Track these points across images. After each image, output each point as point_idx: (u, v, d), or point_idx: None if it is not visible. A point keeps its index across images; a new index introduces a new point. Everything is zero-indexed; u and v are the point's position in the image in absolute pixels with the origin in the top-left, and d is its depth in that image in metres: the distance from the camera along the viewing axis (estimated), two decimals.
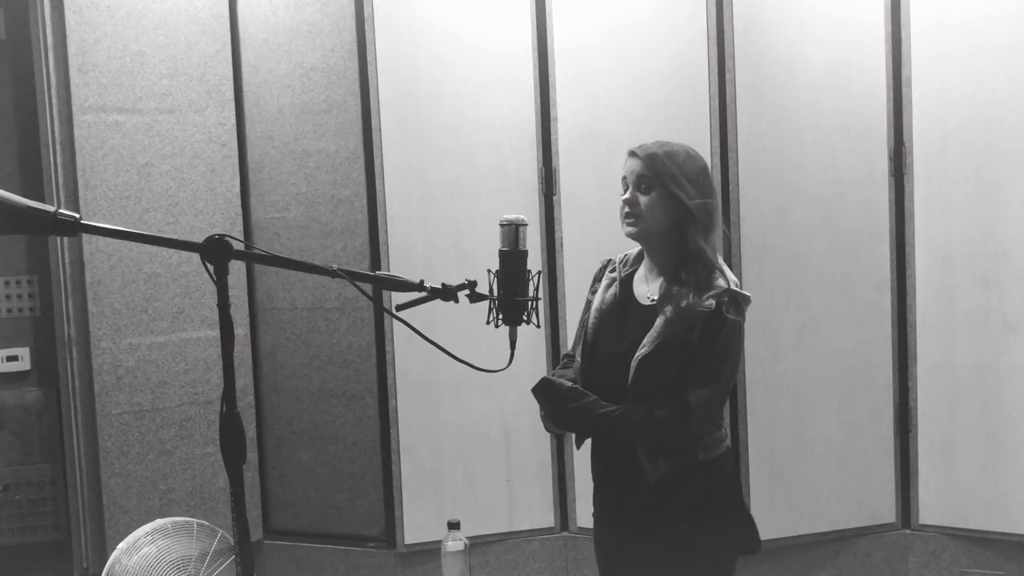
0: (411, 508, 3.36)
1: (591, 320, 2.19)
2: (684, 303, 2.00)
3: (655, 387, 2.01)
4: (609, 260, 2.26)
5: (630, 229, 2.09)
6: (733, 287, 2.03)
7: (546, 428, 2.23)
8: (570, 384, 2.13)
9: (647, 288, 2.13)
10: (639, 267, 2.19)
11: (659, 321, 2.02)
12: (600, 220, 3.26)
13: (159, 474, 3.36)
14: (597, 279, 2.26)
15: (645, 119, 3.22)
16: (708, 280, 2.02)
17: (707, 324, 1.99)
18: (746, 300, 2.05)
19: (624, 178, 2.10)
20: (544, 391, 2.13)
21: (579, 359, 2.21)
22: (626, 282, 2.18)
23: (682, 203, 2.04)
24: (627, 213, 2.08)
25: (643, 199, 2.06)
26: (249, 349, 3.51)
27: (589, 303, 2.23)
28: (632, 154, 2.09)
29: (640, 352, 2.02)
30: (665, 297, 2.04)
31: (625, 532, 2.17)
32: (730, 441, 2.20)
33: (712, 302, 1.99)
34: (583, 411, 2.08)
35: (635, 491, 2.10)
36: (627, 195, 2.08)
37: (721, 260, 2.09)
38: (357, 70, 3.31)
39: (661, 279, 2.09)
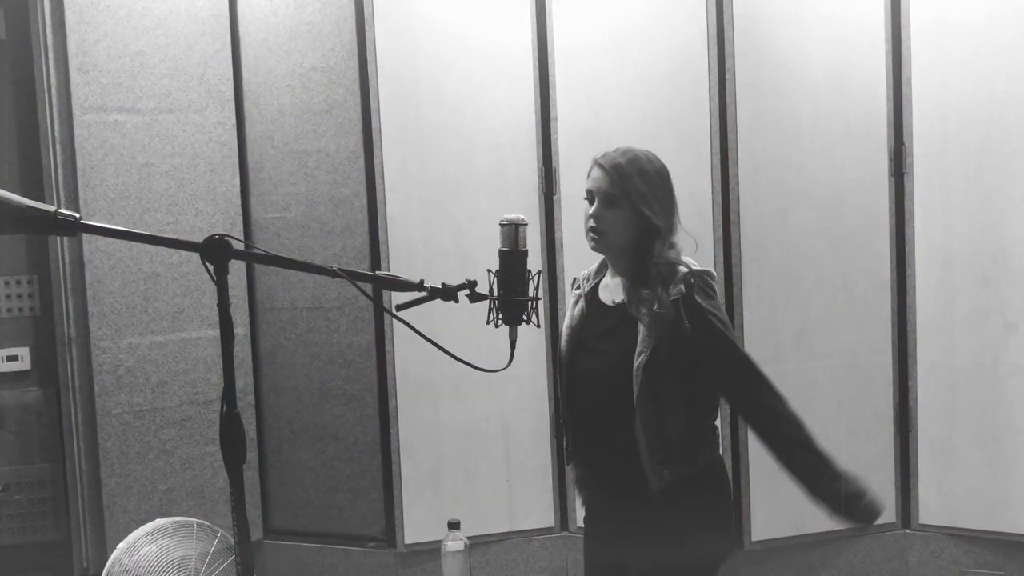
0: (411, 508, 3.36)
1: (564, 339, 2.20)
2: (656, 306, 2.01)
3: (659, 390, 2.01)
4: (575, 279, 2.28)
5: (594, 245, 2.10)
6: (695, 267, 2.06)
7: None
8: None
9: (611, 294, 2.15)
10: (602, 277, 2.21)
11: (641, 330, 2.02)
12: None
13: (159, 474, 3.36)
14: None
15: (645, 119, 3.22)
16: (671, 275, 2.04)
17: (692, 312, 2.00)
18: (711, 275, 2.07)
19: (589, 191, 2.10)
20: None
21: (557, 378, 2.22)
22: (591, 295, 2.20)
23: (646, 218, 2.05)
24: (592, 228, 2.08)
25: (609, 215, 2.07)
26: (249, 349, 3.51)
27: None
28: (598, 166, 2.09)
29: (638, 362, 2.01)
30: (634, 300, 2.05)
31: (625, 542, 2.16)
32: (728, 444, 2.20)
33: (681, 287, 2.01)
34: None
35: (638, 500, 2.08)
36: (593, 211, 2.08)
37: (684, 256, 2.11)
38: (357, 70, 3.30)
39: (624, 283, 2.11)
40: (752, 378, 2.05)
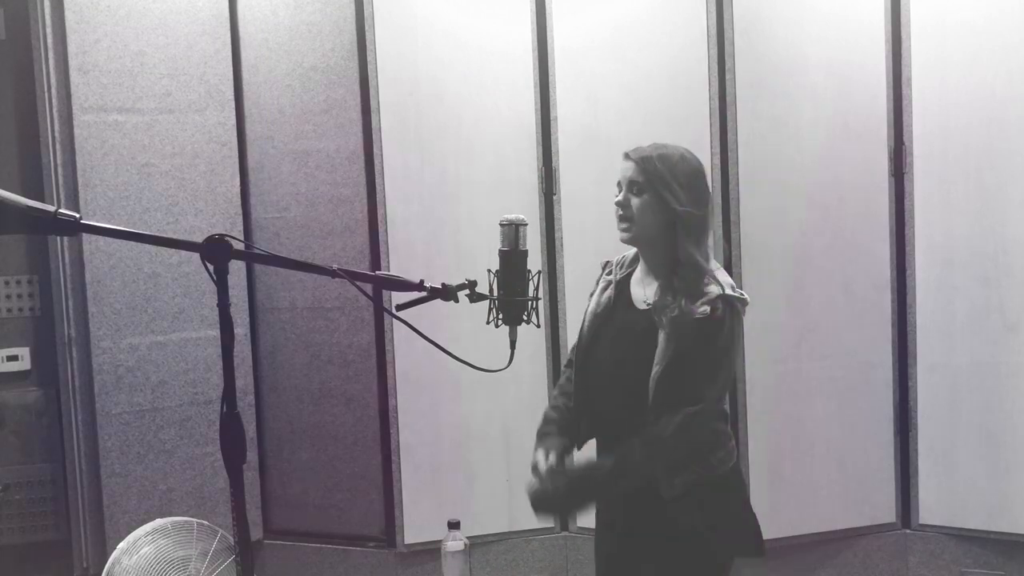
0: (411, 508, 3.36)
1: (586, 324, 2.18)
2: (676, 312, 1.99)
3: (677, 401, 2.00)
4: (607, 262, 2.26)
5: (623, 234, 2.09)
6: (728, 291, 2.01)
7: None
8: (545, 468, 2.07)
9: (643, 291, 2.12)
10: (635, 269, 2.18)
11: (661, 338, 2.01)
12: (600, 220, 3.24)
13: (159, 474, 3.36)
14: (597, 282, 2.25)
15: (645, 119, 3.22)
16: (699, 286, 2.01)
17: (702, 330, 1.97)
18: (743, 303, 2.03)
19: (619, 182, 2.10)
20: (541, 500, 2.07)
21: (574, 362, 2.21)
22: (622, 285, 2.18)
23: (672, 207, 2.02)
24: (619, 216, 2.08)
25: (635, 202, 2.05)
26: (249, 349, 3.51)
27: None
28: (626, 156, 2.08)
29: (655, 371, 2.00)
30: (660, 307, 2.03)
31: (634, 541, 2.16)
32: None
33: (707, 308, 1.98)
34: (587, 486, 2.05)
35: (649, 506, 2.08)
36: (619, 198, 2.08)
37: (715, 264, 2.08)
38: (357, 70, 3.31)
39: (657, 283, 2.09)
40: (669, 414, 1.99)
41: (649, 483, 2.04)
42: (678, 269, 2.03)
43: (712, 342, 1.98)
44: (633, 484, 2.04)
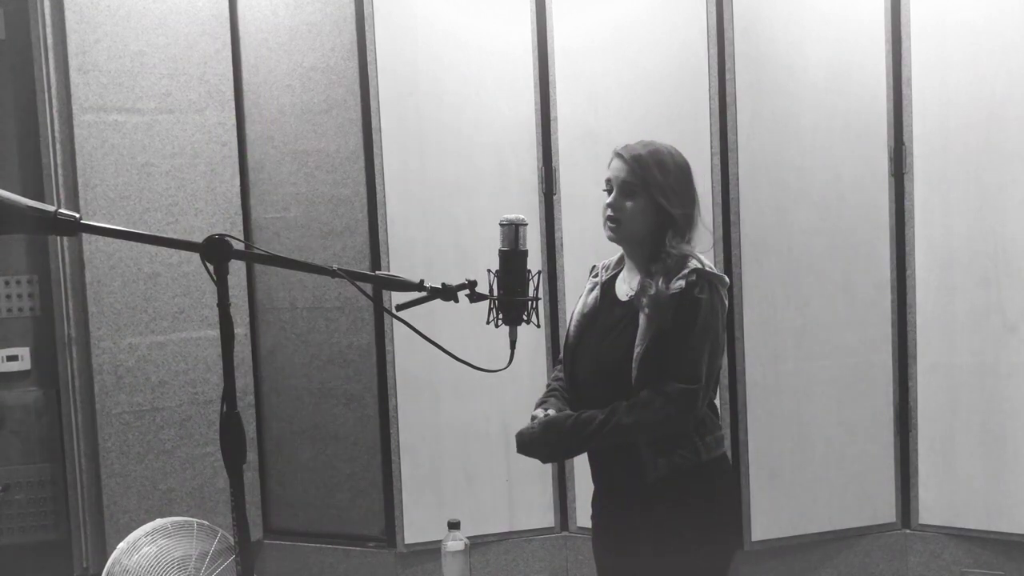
0: (411, 508, 3.36)
1: (572, 324, 2.21)
2: (653, 291, 2.01)
3: (659, 378, 2.02)
4: (594, 266, 2.28)
5: (611, 234, 2.11)
6: (706, 268, 2.04)
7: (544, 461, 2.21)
8: (541, 418, 2.11)
9: (627, 287, 2.15)
10: (621, 269, 2.21)
11: (642, 320, 2.03)
12: (600, 220, 3.25)
13: (159, 474, 3.37)
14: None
15: (645, 119, 3.22)
16: (678, 268, 2.03)
17: (680, 306, 2.00)
18: (721, 281, 2.05)
19: (609, 180, 2.11)
20: (529, 444, 2.11)
21: (561, 359, 2.24)
22: (608, 285, 2.21)
23: (664, 210, 2.05)
24: (609, 217, 2.10)
25: (627, 204, 2.07)
26: (249, 349, 3.51)
27: None
28: (618, 156, 2.10)
29: (637, 351, 2.02)
30: (640, 292, 2.06)
31: (622, 534, 2.17)
32: (728, 445, 2.20)
33: (681, 283, 2.01)
34: (574, 435, 2.06)
35: (633, 491, 2.10)
36: (611, 200, 2.10)
37: (697, 253, 2.10)
38: (357, 70, 3.31)
39: (639, 277, 2.11)
40: (655, 388, 2.01)
41: (632, 456, 2.05)
42: (661, 256, 2.05)
43: (691, 317, 2.00)
44: (618, 441, 2.05)
